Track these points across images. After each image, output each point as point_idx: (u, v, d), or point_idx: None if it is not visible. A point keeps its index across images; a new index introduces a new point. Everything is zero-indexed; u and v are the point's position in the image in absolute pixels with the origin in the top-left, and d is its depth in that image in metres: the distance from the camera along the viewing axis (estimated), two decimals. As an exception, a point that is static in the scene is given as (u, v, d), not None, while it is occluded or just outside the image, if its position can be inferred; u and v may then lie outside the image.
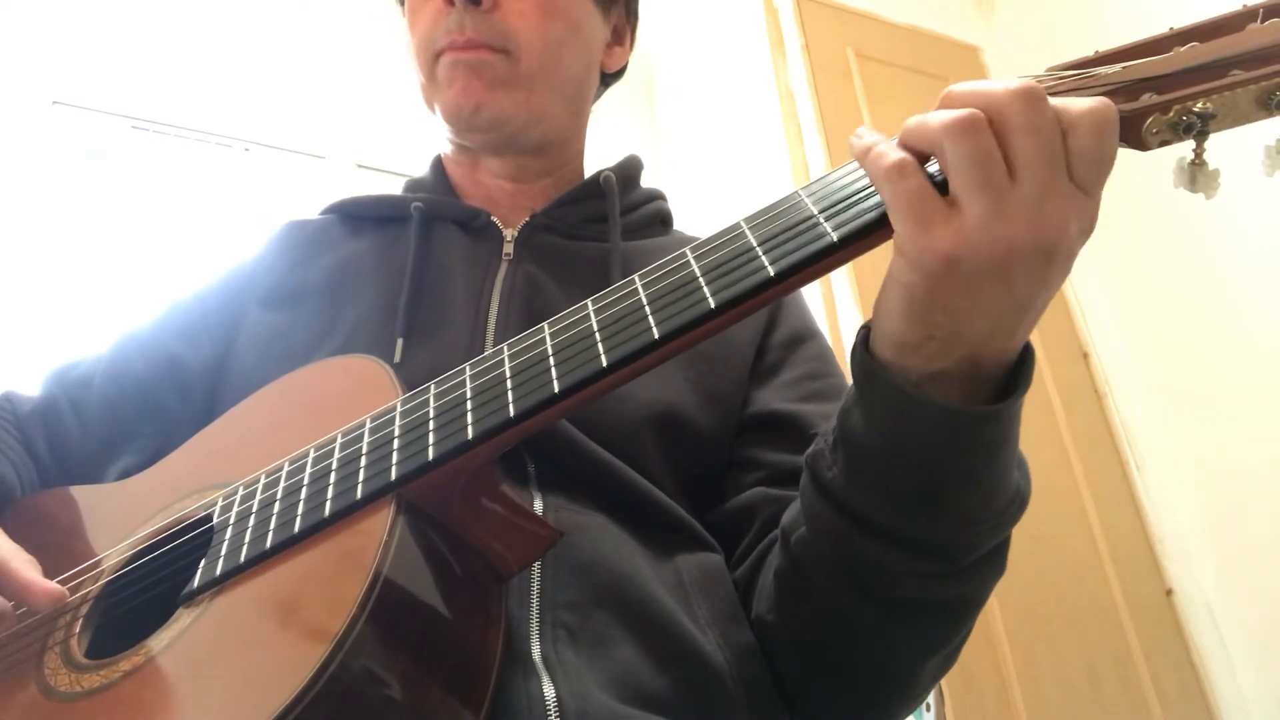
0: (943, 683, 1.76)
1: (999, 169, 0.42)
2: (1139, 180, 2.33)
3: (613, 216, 0.79)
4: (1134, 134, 0.46)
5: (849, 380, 0.78)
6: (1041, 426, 2.22)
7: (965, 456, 0.47)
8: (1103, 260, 2.49)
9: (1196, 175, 0.47)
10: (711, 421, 0.69)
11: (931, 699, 1.75)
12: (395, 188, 0.89)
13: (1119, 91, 0.47)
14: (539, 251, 0.77)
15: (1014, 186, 0.42)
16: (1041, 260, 0.42)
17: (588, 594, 0.56)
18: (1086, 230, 0.43)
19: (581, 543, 0.59)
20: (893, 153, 0.44)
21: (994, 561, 0.54)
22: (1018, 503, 0.51)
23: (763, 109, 2.53)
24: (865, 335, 0.49)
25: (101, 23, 2.58)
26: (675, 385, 0.69)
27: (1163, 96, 0.46)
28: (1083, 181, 0.43)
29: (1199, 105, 0.45)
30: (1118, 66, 0.48)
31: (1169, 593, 2.15)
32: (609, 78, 0.90)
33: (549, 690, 0.50)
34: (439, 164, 0.88)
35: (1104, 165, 0.43)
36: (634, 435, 0.66)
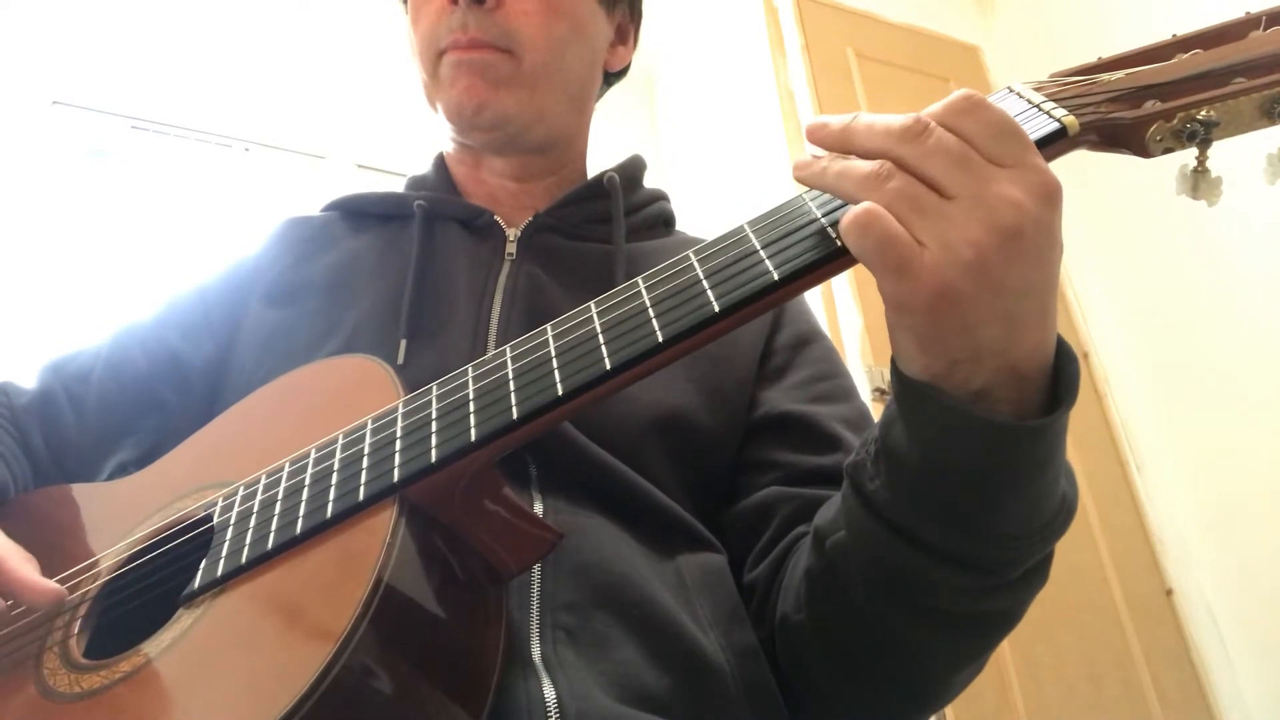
0: (943, 683, 1.76)
1: (928, 196, 0.42)
2: (1140, 181, 2.34)
3: (617, 217, 0.79)
4: (1137, 141, 0.46)
5: (856, 382, 0.77)
6: (1041, 426, 2.22)
7: (1013, 472, 0.46)
8: (1103, 260, 2.49)
9: (1199, 182, 0.47)
10: (715, 422, 0.69)
11: (931, 699, 1.75)
12: (396, 187, 0.88)
13: (1122, 99, 0.46)
14: (542, 252, 0.76)
15: (952, 201, 0.42)
16: (1013, 244, 0.41)
17: (588, 595, 0.56)
18: (1044, 196, 0.42)
19: (581, 544, 0.59)
20: (852, 206, 0.44)
21: (1039, 573, 0.53)
22: (1064, 513, 0.50)
23: (763, 109, 2.53)
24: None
25: (101, 23, 2.58)
26: (678, 386, 0.69)
27: (1166, 104, 0.46)
28: (1000, 158, 0.43)
29: (1202, 113, 0.45)
30: (1121, 73, 0.48)
31: (1169, 593, 2.15)
32: (611, 76, 0.89)
33: (549, 692, 0.50)
34: (441, 162, 0.87)
35: (1001, 136, 0.43)
36: (637, 437, 0.66)
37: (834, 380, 0.75)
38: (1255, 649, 2.04)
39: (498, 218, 0.79)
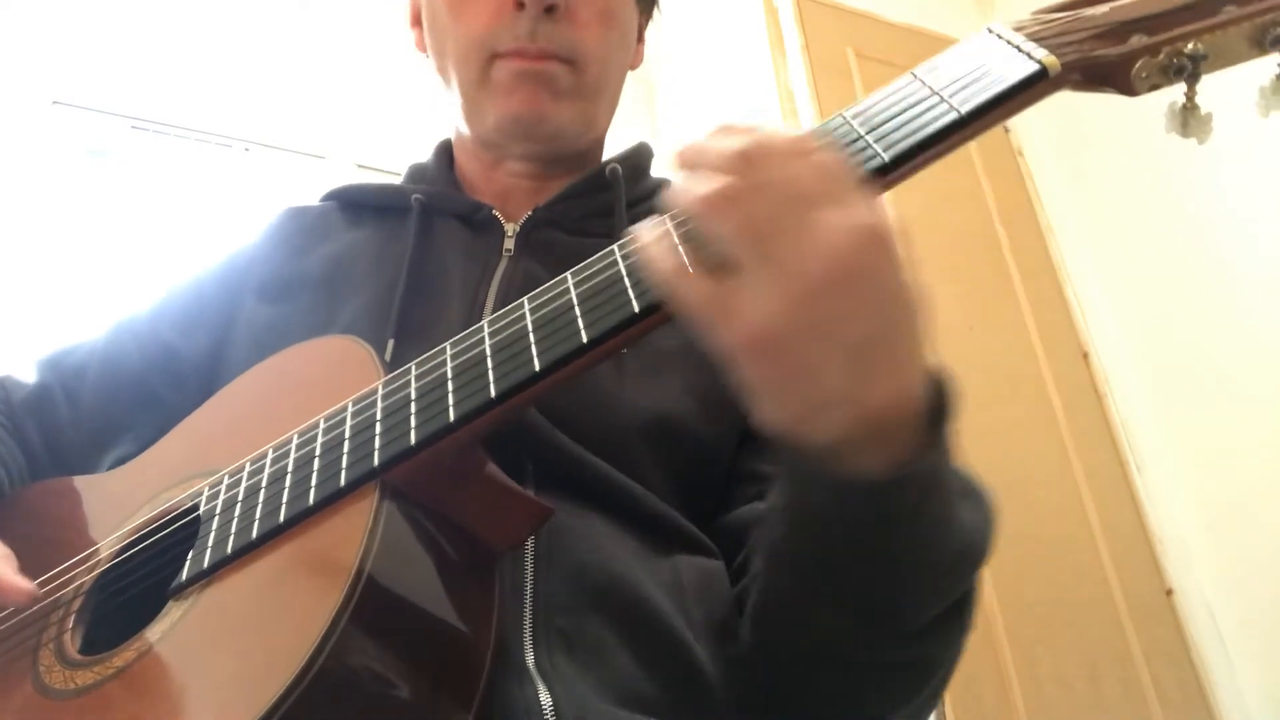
0: (943, 683, 1.76)
1: (749, 241, 0.41)
2: (1140, 179, 2.33)
3: (619, 211, 0.76)
4: (1123, 79, 0.44)
5: None
6: (1041, 426, 2.22)
7: (880, 525, 0.44)
8: (1102, 260, 2.49)
9: (1188, 119, 0.45)
10: (711, 430, 0.68)
11: (931, 699, 1.75)
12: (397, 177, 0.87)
13: (1107, 35, 0.45)
14: (540, 248, 0.74)
15: (774, 245, 0.41)
16: (837, 290, 0.39)
17: (582, 598, 0.56)
18: (867, 241, 0.40)
19: (575, 544, 0.58)
20: (668, 255, 0.43)
21: (952, 620, 0.51)
22: (969, 558, 0.48)
23: (763, 109, 2.52)
24: None
25: (101, 23, 2.58)
26: (672, 393, 0.67)
27: (1153, 38, 0.44)
28: (827, 199, 0.41)
29: (1190, 46, 0.43)
30: (1105, 7, 0.46)
31: (1169, 593, 2.15)
32: None
33: (545, 698, 0.49)
34: (443, 152, 0.85)
35: (831, 177, 0.42)
36: (628, 444, 0.64)
37: None
38: (1255, 649, 2.04)
39: (496, 213, 0.76)
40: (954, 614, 0.51)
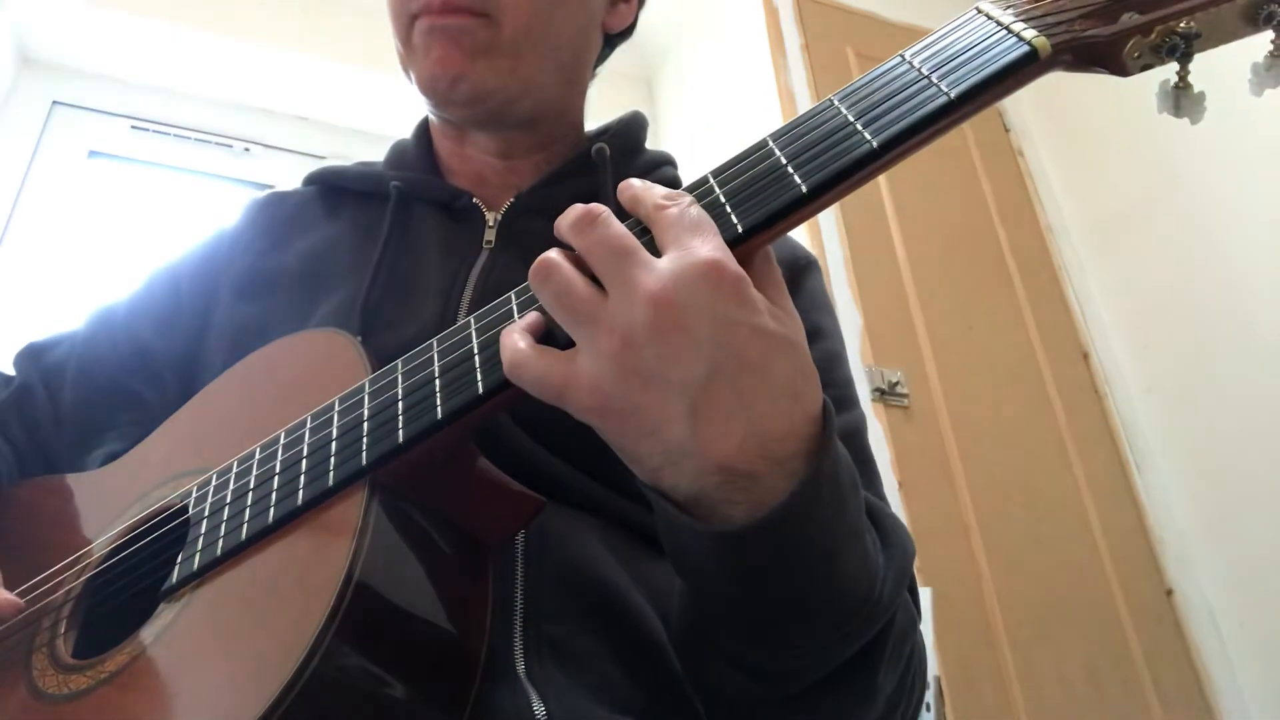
0: (943, 682, 1.76)
1: (582, 301, 0.41)
2: (1140, 179, 2.33)
3: (605, 195, 0.71)
4: (1115, 59, 0.43)
5: (856, 381, 0.73)
6: (1041, 426, 2.21)
7: (742, 578, 0.42)
8: (1103, 260, 2.49)
9: (1180, 99, 0.44)
10: None
11: (931, 699, 1.75)
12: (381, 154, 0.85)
13: (1097, 13, 0.44)
14: (522, 239, 0.71)
15: (604, 301, 0.41)
16: (664, 338, 0.39)
17: (571, 606, 0.55)
18: (695, 278, 0.39)
19: (564, 551, 0.57)
20: (506, 342, 0.43)
21: (855, 681, 0.47)
22: (860, 612, 0.45)
23: (763, 109, 2.52)
24: None
25: (101, 23, 2.58)
26: None
27: (1145, 16, 0.43)
28: (663, 244, 0.41)
29: (1182, 24, 0.42)
30: None
31: (1169, 593, 2.14)
32: (615, 38, 0.82)
33: (538, 706, 0.49)
34: (424, 133, 0.82)
35: (669, 223, 0.42)
36: (607, 454, 0.64)
37: (830, 390, 0.70)
38: (1255, 649, 2.04)
39: (477, 200, 0.74)
40: (857, 673, 0.47)
